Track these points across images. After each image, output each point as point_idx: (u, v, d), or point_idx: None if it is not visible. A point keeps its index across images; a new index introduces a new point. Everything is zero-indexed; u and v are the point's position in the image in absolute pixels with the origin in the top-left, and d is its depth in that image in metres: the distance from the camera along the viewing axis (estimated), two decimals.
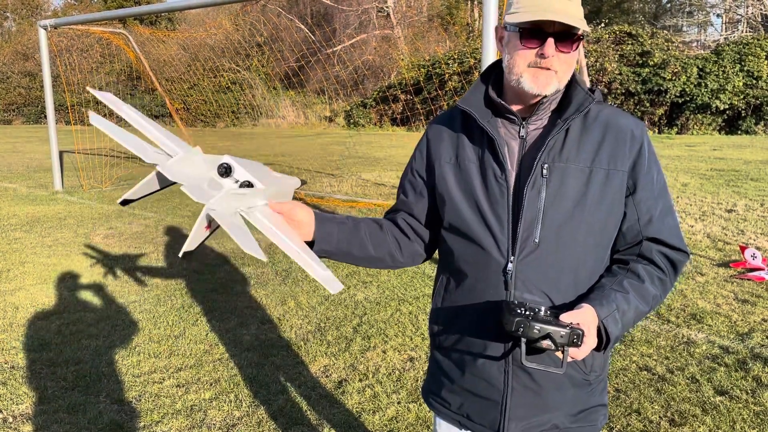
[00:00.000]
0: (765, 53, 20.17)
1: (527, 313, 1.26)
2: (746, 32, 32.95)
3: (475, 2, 34.83)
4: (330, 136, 23.76)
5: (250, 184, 1.32)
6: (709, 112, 20.48)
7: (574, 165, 1.40)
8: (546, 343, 1.24)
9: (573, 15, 1.33)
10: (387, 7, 31.62)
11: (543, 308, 1.29)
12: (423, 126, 23.59)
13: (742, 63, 20.15)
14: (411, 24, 32.07)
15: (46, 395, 3.48)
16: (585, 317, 1.29)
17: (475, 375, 1.49)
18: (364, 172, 13.08)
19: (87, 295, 5.21)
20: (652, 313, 4.57)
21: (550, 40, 1.35)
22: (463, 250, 1.48)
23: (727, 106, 20.08)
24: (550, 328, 1.23)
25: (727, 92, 19.88)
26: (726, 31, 36.46)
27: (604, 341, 1.34)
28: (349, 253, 1.55)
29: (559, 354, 1.27)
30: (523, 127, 1.45)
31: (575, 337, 1.23)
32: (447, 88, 22.73)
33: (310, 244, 1.49)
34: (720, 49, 21.28)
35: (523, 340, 1.27)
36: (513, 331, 1.24)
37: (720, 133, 20.61)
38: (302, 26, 29.80)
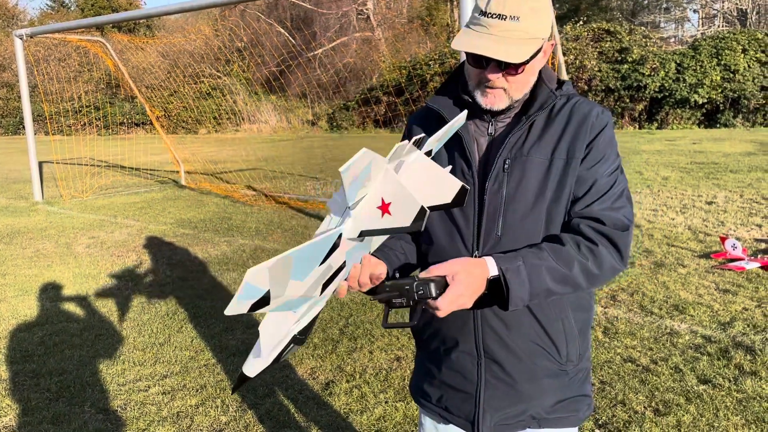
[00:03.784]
0: (741, 47, 20.43)
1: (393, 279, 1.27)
2: (722, 27, 33.42)
3: (455, 3, 34.95)
4: (313, 139, 23.72)
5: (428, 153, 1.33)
6: (688, 107, 20.70)
7: (534, 158, 1.40)
8: (398, 301, 1.24)
9: (518, 37, 1.31)
10: (367, 9, 31.65)
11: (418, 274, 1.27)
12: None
13: (719, 57, 20.40)
14: (391, 26, 32.11)
15: (29, 407, 3.44)
16: (451, 267, 1.25)
17: (451, 369, 1.52)
18: None
19: (69, 306, 5.15)
20: (635, 305, 4.61)
21: (493, 68, 1.35)
22: (434, 246, 1.51)
23: (705, 101, 20.32)
24: (397, 283, 1.23)
25: (705, 86, 20.11)
26: (703, 26, 36.95)
27: (506, 294, 1.28)
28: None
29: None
30: (492, 125, 1.46)
31: (422, 288, 1.20)
32: (429, 89, 22.77)
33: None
34: (697, 44, 21.54)
35: (385, 305, 1.28)
36: (375, 298, 1.28)
37: (699, 127, 20.84)
38: (282, 30, 29.72)
